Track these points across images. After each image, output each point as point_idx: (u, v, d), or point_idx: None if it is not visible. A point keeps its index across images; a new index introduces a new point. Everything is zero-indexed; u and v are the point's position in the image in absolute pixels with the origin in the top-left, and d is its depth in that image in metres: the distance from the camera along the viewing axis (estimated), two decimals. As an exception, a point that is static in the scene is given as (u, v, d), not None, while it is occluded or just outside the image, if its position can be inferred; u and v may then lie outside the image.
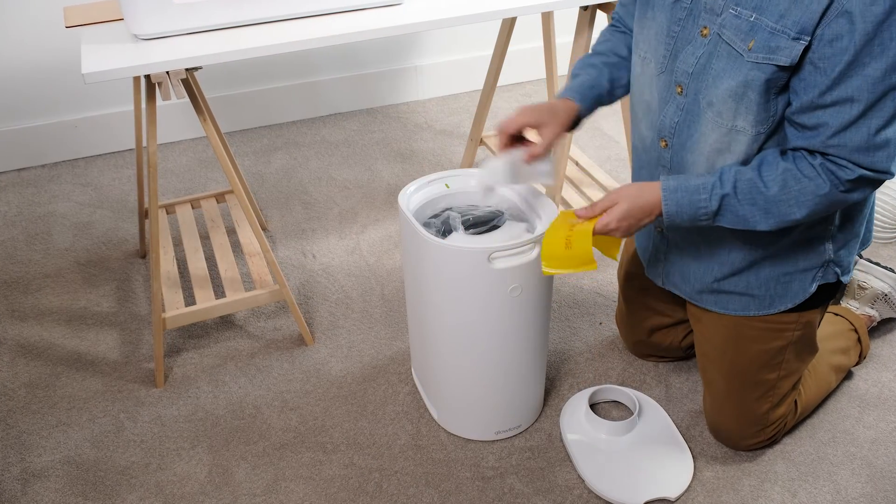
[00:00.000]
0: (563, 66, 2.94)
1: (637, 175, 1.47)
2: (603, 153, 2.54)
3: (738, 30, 1.16)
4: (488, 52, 2.88)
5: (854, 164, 1.14)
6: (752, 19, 1.14)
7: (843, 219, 1.31)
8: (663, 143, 1.34)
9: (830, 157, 1.15)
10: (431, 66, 2.85)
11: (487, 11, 1.63)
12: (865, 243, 1.41)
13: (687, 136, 1.29)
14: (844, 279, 1.37)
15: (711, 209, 1.21)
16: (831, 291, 1.38)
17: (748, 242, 1.33)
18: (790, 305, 1.37)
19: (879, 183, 1.18)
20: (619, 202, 1.26)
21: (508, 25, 2.10)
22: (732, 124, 1.21)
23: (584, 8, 1.81)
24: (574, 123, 1.40)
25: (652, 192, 1.25)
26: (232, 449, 1.57)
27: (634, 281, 1.61)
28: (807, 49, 1.11)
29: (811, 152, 1.17)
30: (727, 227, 1.27)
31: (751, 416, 1.45)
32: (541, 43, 2.93)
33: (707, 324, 1.46)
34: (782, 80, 1.15)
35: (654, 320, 1.63)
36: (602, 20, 2.78)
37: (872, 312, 1.71)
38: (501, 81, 2.95)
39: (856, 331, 1.65)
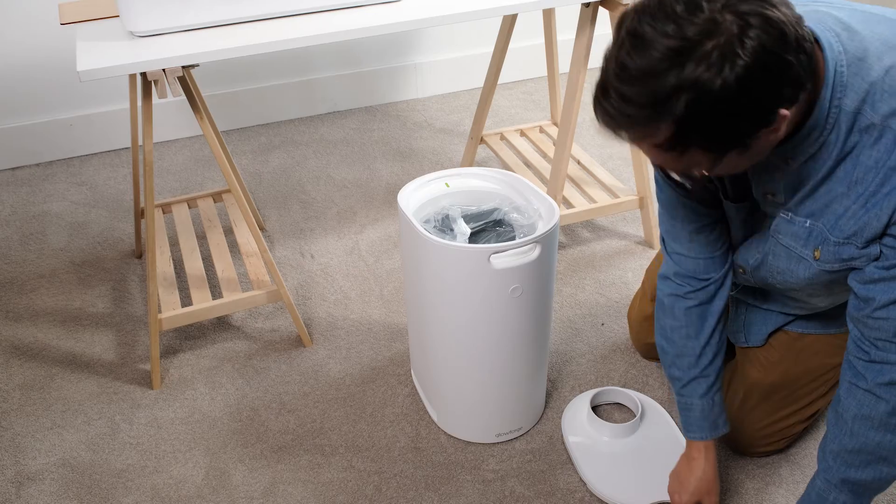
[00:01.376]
0: (565, 64, 2.94)
1: None
2: (605, 151, 2.54)
3: (795, 236, 1.14)
4: (489, 49, 2.88)
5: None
6: (807, 225, 1.11)
7: None
8: (741, 270, 1.35)
9: (876, 354, 1.10)
10: (431, 64, 2.85)
11: (488, 8, 1.63)
12: None
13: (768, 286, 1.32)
14: None
15: (849, 500, 1.16)
16: None
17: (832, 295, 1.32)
18: None
19: None
20: None
21: (509, 22, 2.10)
22: (821, 291, 1.24)
23: (587, 4, 1.81)
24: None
25: None
26: (229, 451, 1.57)
27: None
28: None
29: (860, 376, 1.12)
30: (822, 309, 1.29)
31: (777, 427, 1.45)
32: (542, 40, 2.93)
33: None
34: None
35: None
36: (604, 17, 2.78)
37: None
38: (502, 79, 2.95)
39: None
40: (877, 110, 0.99)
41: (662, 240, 1.35)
